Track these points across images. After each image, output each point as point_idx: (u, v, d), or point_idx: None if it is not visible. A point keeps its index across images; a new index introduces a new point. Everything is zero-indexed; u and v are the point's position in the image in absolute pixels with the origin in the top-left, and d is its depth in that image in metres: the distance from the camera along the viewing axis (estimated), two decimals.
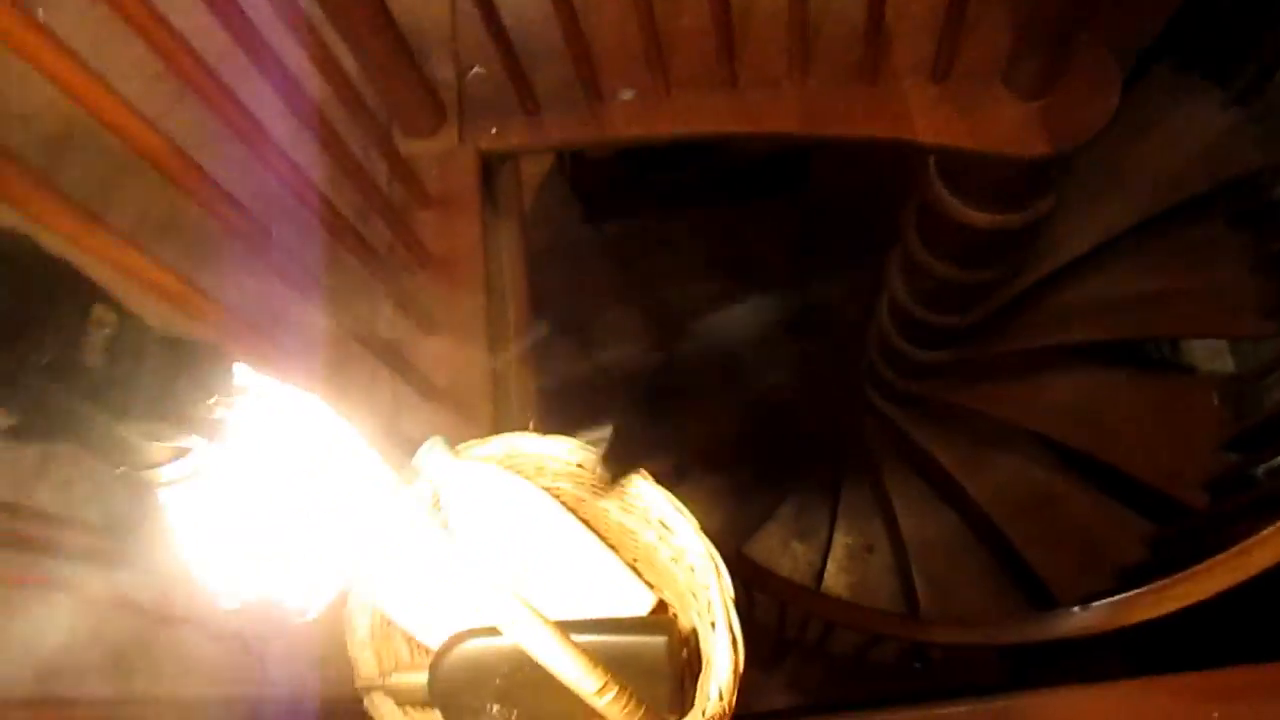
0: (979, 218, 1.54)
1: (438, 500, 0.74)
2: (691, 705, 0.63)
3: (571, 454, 0.74)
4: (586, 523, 0.77)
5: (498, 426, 1.38)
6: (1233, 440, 2.02)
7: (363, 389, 1.42)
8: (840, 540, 2.76)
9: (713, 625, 0.62)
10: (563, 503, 0.76)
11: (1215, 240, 2.09)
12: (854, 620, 2.10)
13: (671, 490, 0.70)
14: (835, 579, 2.69)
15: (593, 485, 0.74)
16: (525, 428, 1.54)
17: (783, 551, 2.92)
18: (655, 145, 1.60)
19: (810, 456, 3.01)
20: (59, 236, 0.59)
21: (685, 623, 0.71)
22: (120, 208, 1.38)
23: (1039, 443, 2.29)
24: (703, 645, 0.66)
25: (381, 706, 0.70)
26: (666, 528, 0.70)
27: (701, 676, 0.64)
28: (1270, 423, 2.11)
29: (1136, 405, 2.09)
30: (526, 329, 1.64)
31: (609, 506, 0.76)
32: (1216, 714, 0.99)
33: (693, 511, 0.68)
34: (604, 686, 0.50)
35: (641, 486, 0.71)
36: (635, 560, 0.78)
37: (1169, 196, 1.94)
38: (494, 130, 1.51)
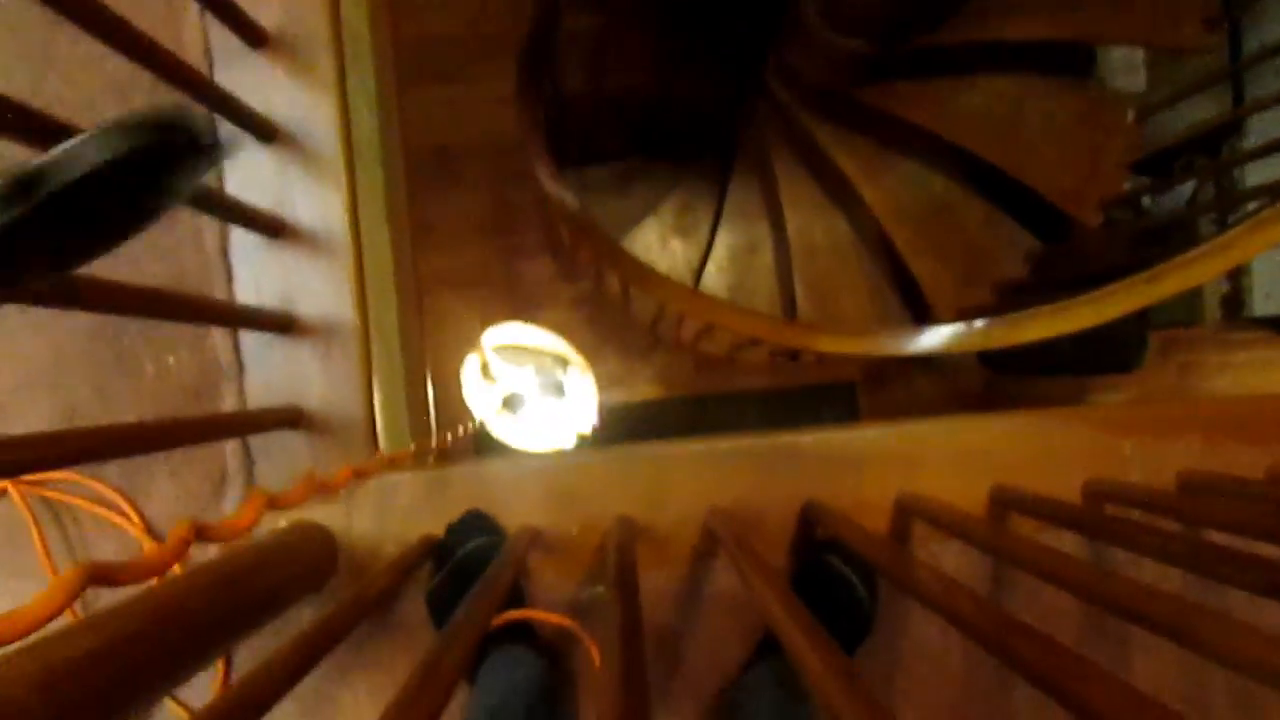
0: None
1: None
2: None
3: None
4: None
5: (342, 83, 1.10)
6: (1138, 163, 1.98)
7: (169, 32, 1.08)
8: (723, 240, 2.66)
9: None
10: None
11: None
12: (734, 323, 2.05)
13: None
14: (714, 279, 2.62)
15: None
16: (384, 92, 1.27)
17: (662, 248, 2.81)
18: None
19: (701, 148, 2.81)
20: None
21: None
22: None
23: (943, 151, 2.18)
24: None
25: None
26: None
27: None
28: (1177, 148, 2.07)
29: (1052, 116, 1.97)
30: None
31: None
32: (1128, 447, 0.97)
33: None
34: None
35: None
36: None
37: None
38: None
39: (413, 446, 0.92)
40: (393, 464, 0.89)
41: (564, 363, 2.11)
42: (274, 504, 0.61)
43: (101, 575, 0.45)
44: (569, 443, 2.26)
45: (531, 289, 2.72)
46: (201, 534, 0.52)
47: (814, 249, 2.41)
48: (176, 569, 1.00)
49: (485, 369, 1.58)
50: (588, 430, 2.25)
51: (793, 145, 2.40)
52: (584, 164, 2.81)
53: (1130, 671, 0.98)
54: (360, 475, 0.79)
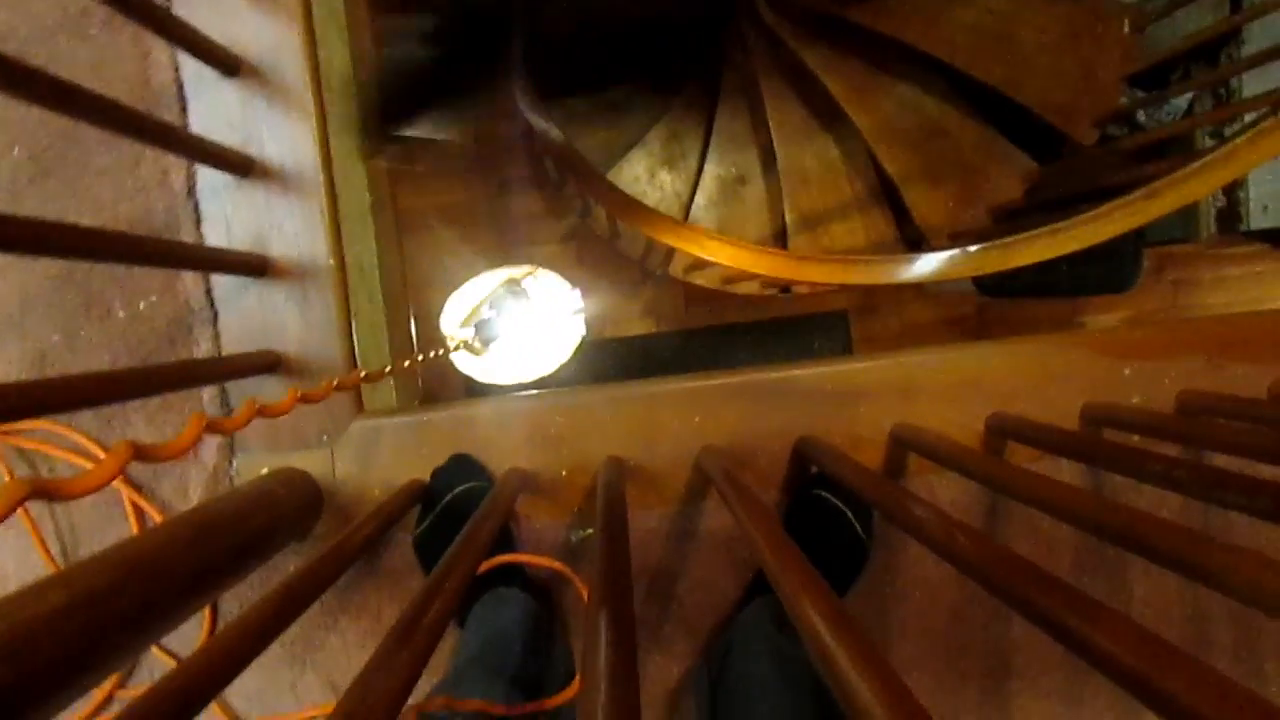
0: None
1: None
2: None
3: None
4: None
5: (309, 11, 1.04)
6: (1134, 76, 1.92)
7: None
8: (711, 171, 2.60)
9: None
10: None
11: None
12: (724, 256, 2.01)
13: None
14: (704, 211, 2.57)
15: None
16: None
17: (649, 180, 2.74)
18: None
19: (686, 75, 2.72)
20: None
21: None
22: None
23: (935, 72, 2.11)
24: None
25: None
26: None
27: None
28: (1172, 61, 2.01)
29: (1048, 29, 1.90)
30: None
31: None
32: (1128, 370, 0.95)
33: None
34: None
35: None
36: None
37: None
38: None
39: (364, 373, 0.89)
40: (340, 387, 0.86)
41: (515, 283, 2.05)
42: (213, 428, 0.59)
43: (42, 489, 0.44)
44: (578, 332, 2.24)
45: (518, 224, 2.67)
46: (139, 453, 0.50)
47: (805, 177, 2.35)
48: (157, 517, 0.99)
49: (467, 347, 1.57)
50: (579, 307, 2.22)
51: (781, 70, 2.33)
52: (568, 95, 2.72)
53: (1130, 595, 0.98)
54: (307, 400, 0.77)
